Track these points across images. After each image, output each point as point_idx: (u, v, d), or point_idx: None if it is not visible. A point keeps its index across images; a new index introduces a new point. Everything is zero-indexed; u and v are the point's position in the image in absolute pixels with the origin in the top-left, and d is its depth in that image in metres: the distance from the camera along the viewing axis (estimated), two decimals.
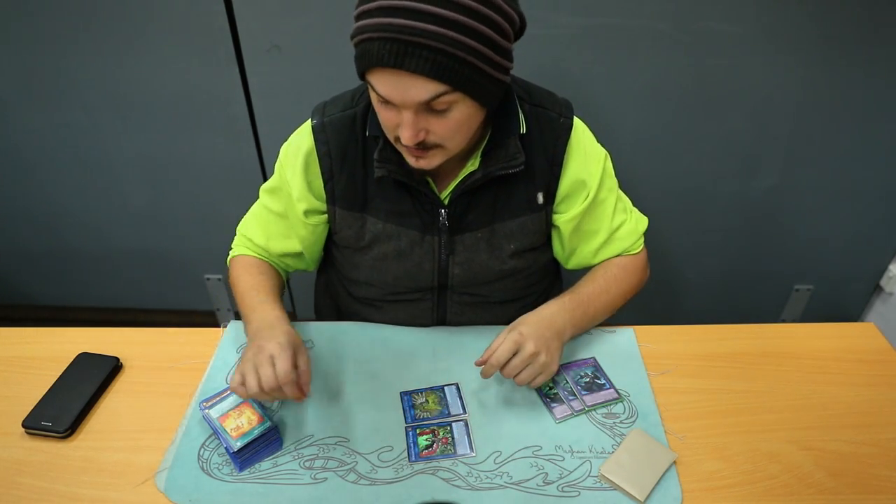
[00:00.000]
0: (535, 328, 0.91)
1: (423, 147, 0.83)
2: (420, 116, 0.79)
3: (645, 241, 1.09)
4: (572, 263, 1.10)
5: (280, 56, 1.43)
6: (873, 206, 1.67)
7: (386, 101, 0.80)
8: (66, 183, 1.72)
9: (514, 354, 0.88)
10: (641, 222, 1.08)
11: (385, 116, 0.83)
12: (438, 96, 0.76)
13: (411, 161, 0.86)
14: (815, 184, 1.63)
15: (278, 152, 1.02)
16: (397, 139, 0.84)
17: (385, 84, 0.77)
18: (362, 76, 0.81)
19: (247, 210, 1.10)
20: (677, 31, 1.37)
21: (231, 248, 1.11)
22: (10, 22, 1.44)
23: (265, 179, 1.63)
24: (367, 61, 0.76)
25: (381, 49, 0.73)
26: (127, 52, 1.46)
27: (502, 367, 0.88)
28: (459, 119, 0.81)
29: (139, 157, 1.65)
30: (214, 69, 1.47)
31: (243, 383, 0.82)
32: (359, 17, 0.76)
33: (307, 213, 1.00)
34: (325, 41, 1.40)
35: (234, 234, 1.10)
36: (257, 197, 1.08)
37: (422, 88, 0.75)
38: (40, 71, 1.51)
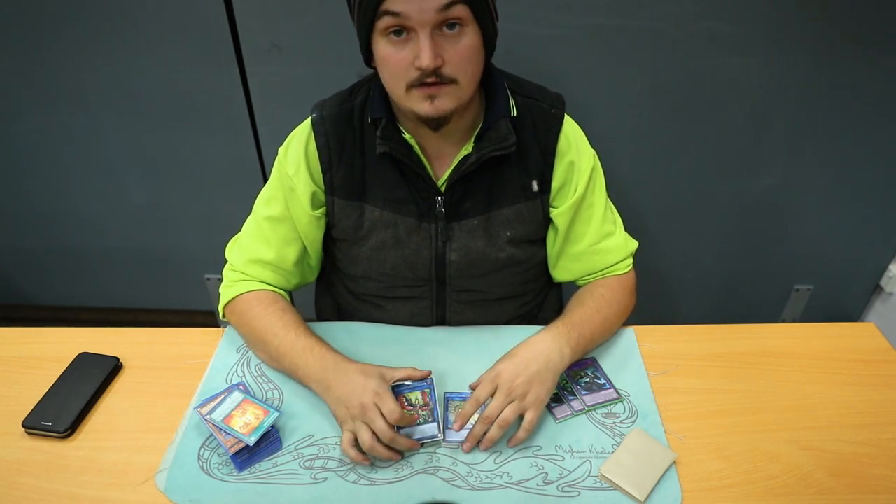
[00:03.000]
0: (514, 363, 0.90)
1: (439, 82, 0.84)
2: (436, 40, 0.81)
3: (635, 265, 1.07)
4: (559, 269, 1.09)
5: (280, 56, 1.43)
6: (873, 205, 1.67)
7: (400, 33, 0.81)
8: (66, 182, 1.72)
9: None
10: (631, 243, 1.07)
11: (398, 60, 0.83)
12: (453, 3, 0.79)
13: (426, 107, 0.86)
14: (815, 184, 1.63)
15: (278, 152, 1.02)
16: (411, 87, 0.85)
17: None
18: (368, 20, 0.82)
19: (247, 209, 1.08)
20: (677, 31, 1.37)
21: (225, 288, 1.03)
22: (10, 22, 1.44)
23: (265, 179, 1.63)
24: None
25: None
26: (127, 53, 1.46)
27: (486, 414, 0.86)
28: (470, 47, 0.84)
29: (139, 157, 1.65)
30: (214, 69, 1.47)
31: (355, 444, 0.84)
32: None
33: (313, 201, 0.99)
34: (325, 41, 1.40)
35: (235, 235, 1.09)
36: (256, 200, 1.06)
37: None
38: (40, 71, 1.51)
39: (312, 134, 0.97)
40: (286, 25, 1.39)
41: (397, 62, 0.84)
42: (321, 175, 0.99)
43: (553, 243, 1.07)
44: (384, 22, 0.81)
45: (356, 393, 0.86)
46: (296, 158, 0.98)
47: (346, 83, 1.02)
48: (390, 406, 0.84)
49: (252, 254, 1.02)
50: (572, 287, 1.11)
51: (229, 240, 1.09)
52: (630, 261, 1.06)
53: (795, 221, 1.70)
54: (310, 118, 0.98)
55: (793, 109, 1.49)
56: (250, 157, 1.61)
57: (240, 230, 1.08)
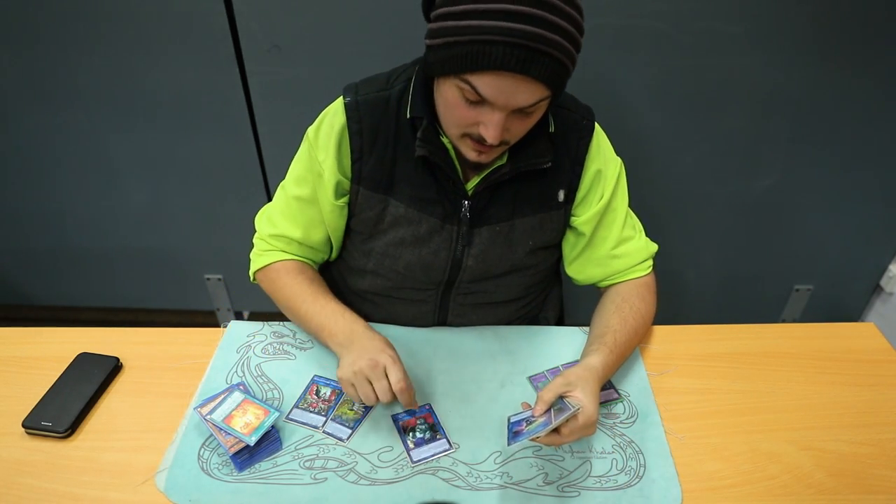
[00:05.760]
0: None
1: (493, 146, 0.84)
2: (508, 118, 0.81)
3: (655, 268, 1.06)
4: (575, 269, 1.08)
5: (280, 56, 1.43)
6: (873, 206, 1.67)
7: (476, 102, 0.80)
8: (66, 183, 1.72)
9: None
10: (651, 245, 1.07)
11: (463, 114, 0.82)
12: (538, 101, 0.79)
13: (472, 155, 0.87)
14: (815, 184, 1.63)
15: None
16: (466, 135, 0.85)
17: (494, 87, 0.77)
18: (450, 74, 0.79)
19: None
20: (677, 31, 1.37)
21: (255, 255, 1.05)
22: (11, 22, 1.44)
23: (265, 179, 1.64)
24: (483, 62, 0.75)
25: (507, 53, 0.74)
26: (127, 53, 1.46)
27: None
28: (536, 119, 0.85)
29: (139, 157, 1.65)
30: (214, 69, 1.47)
31: (355, 393, 0.86)
32: (468, 16, 0.75)
33: (337, 191, 0.98)
34: (325, 41, 1.40)
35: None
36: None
37: (530, 94, 0.78)
38: (40, 71, 1.51)
39: (345, 119, 0.94)
40: (286, 25, 1.39)
41: (461, 115, 0.83)
42: (350, 163, 0.96)
43: (573, 247, 1.06)
44: (464, 86, 0.79)
45: (370, 350, 0.87)
46: (326, 143, 0.96)
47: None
48: (398, 375, 0.85)
49: (279, 229, 1.03)
50: (575, 286, 1.11)
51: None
52: (650, 262, 1.05)
53: (795, 221, 1.70)
54: (342, 101, 0.95)
55: (793, 109, 1.49)
56: (250, 157, 1.61)
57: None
